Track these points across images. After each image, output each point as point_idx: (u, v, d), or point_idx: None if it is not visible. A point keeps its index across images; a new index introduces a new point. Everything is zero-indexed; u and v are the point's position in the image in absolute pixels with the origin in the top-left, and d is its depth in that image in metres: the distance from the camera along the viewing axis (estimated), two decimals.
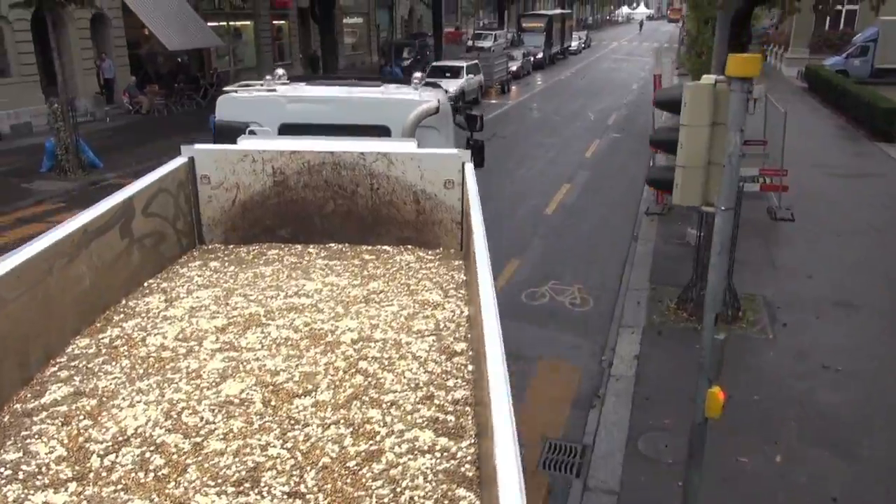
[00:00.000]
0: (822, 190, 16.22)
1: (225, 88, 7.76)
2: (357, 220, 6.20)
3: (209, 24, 29.58)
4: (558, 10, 56.65)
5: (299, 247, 6.02)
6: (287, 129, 7.22)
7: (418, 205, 6.14)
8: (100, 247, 4.76)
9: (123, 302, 4.83)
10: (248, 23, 33.89)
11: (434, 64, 29.39)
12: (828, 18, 41.70)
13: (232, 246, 6.11)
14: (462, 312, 4.53)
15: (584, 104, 30.61)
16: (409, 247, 6.04)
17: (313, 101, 7.48)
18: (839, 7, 40.20)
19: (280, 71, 8.20)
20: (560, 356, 9.31)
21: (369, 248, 6.00)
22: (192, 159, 5.94)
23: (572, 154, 20.83)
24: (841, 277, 11.41)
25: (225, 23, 31.96)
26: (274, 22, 36.04)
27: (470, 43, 42.75)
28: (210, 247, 6.11)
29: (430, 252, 5.83)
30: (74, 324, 4.44)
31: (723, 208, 5.12)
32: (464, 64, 28.93)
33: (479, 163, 8.55)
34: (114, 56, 26.20)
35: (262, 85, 7.77)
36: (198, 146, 6.00)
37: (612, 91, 34.83)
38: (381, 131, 7.03)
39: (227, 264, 5.58)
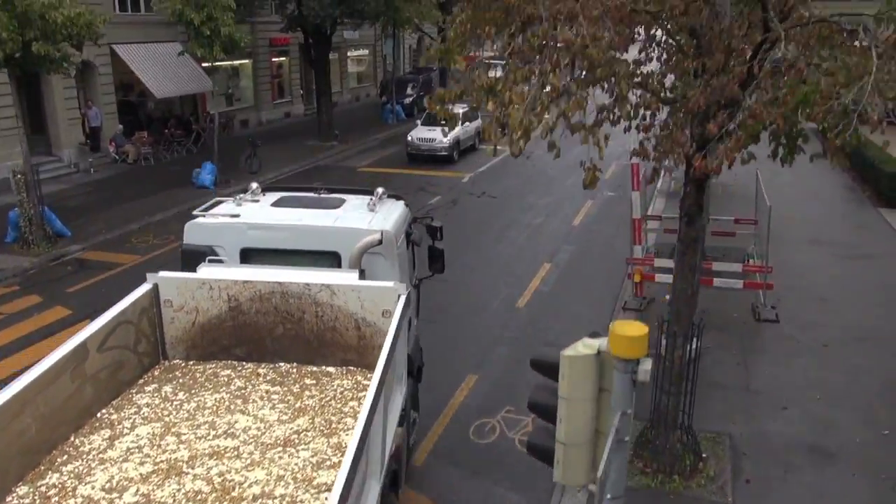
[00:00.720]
0: (815, 277, 15.24)
1: (194, 213, 8.35)
2: (304, 343, 7.01)
3: (205, 63, 29.17)
4: None
5: (251, 366, 6.88)
6: (247, 253, 7.97)
7: (359, 331, 6.90)
8: (47, 396, 5.25)
9: (72, 439, 5.54)
10: (246, 61, 33.46)
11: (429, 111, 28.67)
12: None
13: (192, 363, 7.00)
14: None
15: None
16: (352, 369, 6.86)
17: (271, 229, 8.03)
18: None
19: (254, 185, 9.23)
20: None
21: (314, 369, 6.84)
22: (156, 285, 6.88)
23: (560, 222, 19.99)
24: (820, 411, 10.46)
25: (222, 63, 31.45)
26: (273, 59, 35.61)
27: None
28: (172, 363, 7.02)
29: (368, 376, 6.40)
30: (18, 470, 4.98)
31: (609, 497, 4.31)
32: (460, 111, 28.14)
33: (439, 269, 9.73)
34: (101, 103, 25.84)
35: (236, 200, 8.56)
36: (162, 274, 6.96)
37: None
38: (333, 257, 7.76)
39: (177, 389, 6.36)
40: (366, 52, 45.21)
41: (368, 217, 8.22)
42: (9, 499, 4.79)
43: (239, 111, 33.34)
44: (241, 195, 8.82)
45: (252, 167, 25.05)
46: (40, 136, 23.84)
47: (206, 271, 7.28)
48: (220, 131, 29.89)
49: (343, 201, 8.84)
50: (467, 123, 28.20)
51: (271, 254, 7.83)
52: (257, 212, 8.44)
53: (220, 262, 7.78)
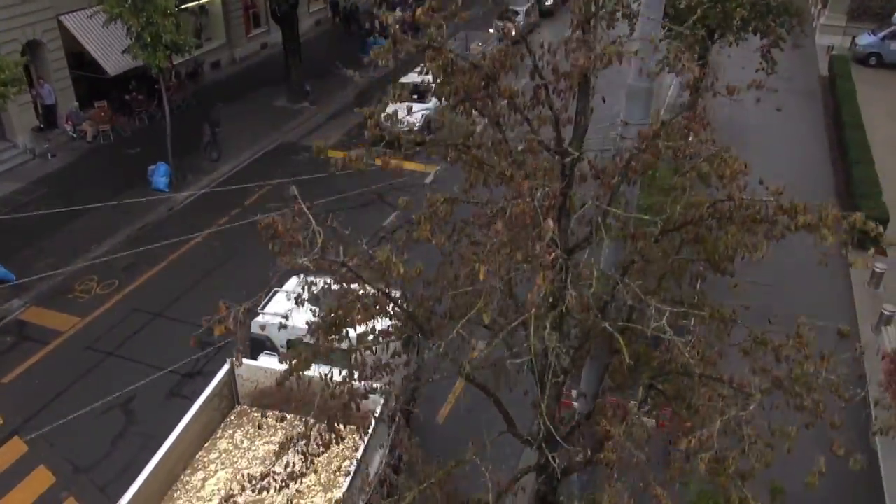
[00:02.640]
0: None
1: (258, 310, 12.52)
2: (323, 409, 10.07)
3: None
4: None
5: (291, 417, 9.88)
6: (290, 342, 11.57)
7: (360, 411, 8.76)
8: (172, 452, 9.90)
9: (182, 477, 9.96)
10: None
11: (401, 80, 26.98)
12: None
13: (253, 409, 11.57)
14: None
15: None
16: (353, 428, 8.90)
17: (303, 331, 9.72)
18: None
19: (297, 280, 12.61)
20: None
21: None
22: (230, 367, 11.52)
23: None
24: None
25: (188, 4, 29.40)
26: None
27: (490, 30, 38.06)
28: (242, 408, 11.62)
29: (358, 435, 9.96)
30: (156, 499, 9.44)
31: None
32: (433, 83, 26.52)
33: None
34: (53, 80, 24.65)
35: (287, 295, 11.84)
36: (241, 364, 11.46)
37: None
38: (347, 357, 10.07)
39: (243, 438, 10.97)
40: None
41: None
42: None
43: (209, 53, 31.62)
44: (292, 289, 12.04)
45: (212, 155, 24.30)
46: None
47: (263, 360, 12.00)
48: (188, 82, 28.76)
49: None
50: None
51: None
52: (299, 313, 9.83)
53: (275, 353, 12.12)
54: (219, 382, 11.27)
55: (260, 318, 12.51)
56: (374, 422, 9.28)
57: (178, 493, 9.95)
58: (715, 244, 6.35)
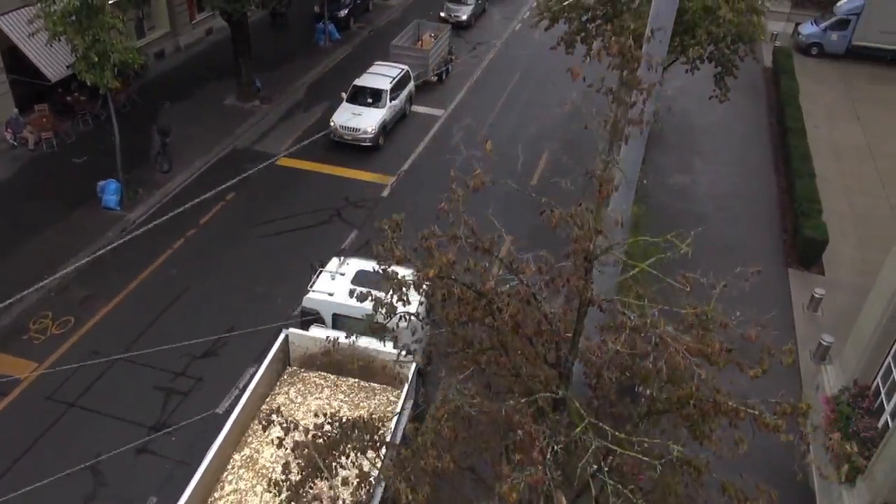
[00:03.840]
0: None
1: (308, 287, 15.44)
2: (363, 372, 13.52)
3: None
4: None
5: (333, 377, 13.70)
6: (335, 317, 14.67)
7: (393, 372, 13.41)
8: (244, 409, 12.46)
9: (251, 427, 12.49)
10: None
11: (355, 83, 26.49)
12: None
13: (302, 370, 13.93)
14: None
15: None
16: (387, 387, 13.43)
17: (348, 307, 13.50)
18: None
19: (337, 261, 15.93)
20: None
21: (368, 385, 13.52)
22: (287, 335, 14.04)
23: None
24: None
25: None
26: None
27: (441, 14, 37.27)
28: (292, 369, 14.00)
29: (395, 392, 13.34)
30: (233, 445, 12.14)
31: None
32: (387, 87, 26.20)
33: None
34: None
35: (332, 275, 15.25)
36: (291, 330, 14.15)
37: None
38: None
39: (296, 394, 13.25)
40: None
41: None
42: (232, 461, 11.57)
43: (152, 43, 30.41)
44: (333, 270, 15.42)
45: (163, 166, 23.70)
46: None
47: (313, 331, 14.25)
48: (131, 78, 27.58)
49: None
50: (394, 101, 26.45)
51: (348, 319, 14.05)
52: (342, 290, 12.67)
53: (323, 323, 14.74)
54: (277, 349, 13.74)
55: (310, 294, 15.03)
56: (410, 377, 12.84)
57: (250, 438, 12.40)
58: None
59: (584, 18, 19.50)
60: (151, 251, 20.32)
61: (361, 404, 13.01)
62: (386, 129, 26.08)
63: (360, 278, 14.44)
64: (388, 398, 13.19)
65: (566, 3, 19.28)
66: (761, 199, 24.37)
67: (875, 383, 14.40)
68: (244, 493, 11.10)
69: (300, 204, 22.78)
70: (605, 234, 6.86)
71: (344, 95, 26.40)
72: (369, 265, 13.03)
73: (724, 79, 20.01)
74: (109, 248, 20.57)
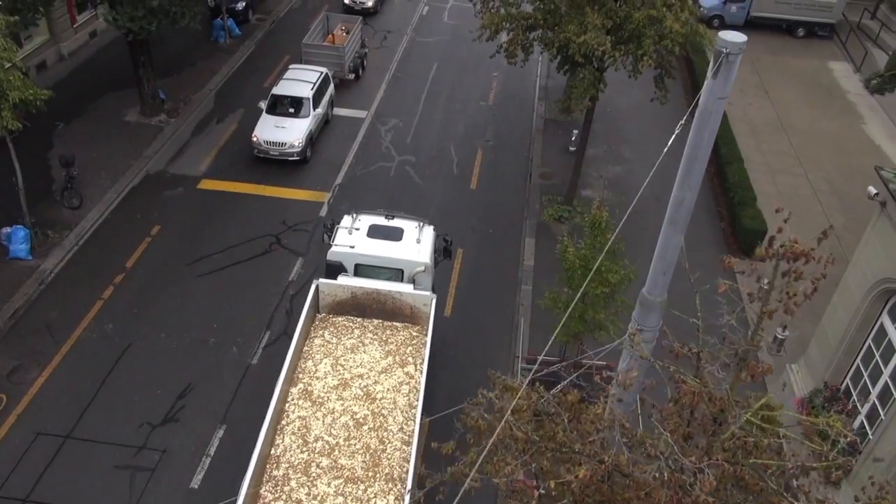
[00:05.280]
0: None
1: (330, 242, 16.94)
2: (386, 312, 15.55)
3: None
4: None
5: (359, 320, 15.50)
6: (357, 267, 16.36)
7: (412, 310, 15.44)
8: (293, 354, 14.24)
9: (299, 364, 14.38)
10: None
11: (274, 92, 24.80)
12: None
13: (331, 316, 15.57)
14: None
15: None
16: (408, 325, 15.46)
17: (369, 257, 16.30)
18: None
19: (349, 218, 17.45)
20: None
21: (390, 324, 15.43)
22: (318, 285, 15.48)
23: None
24: None
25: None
26: None
27: (345, 1, 35.40)
28: (322, 316, 15.58)
29: (415, 328, 15.39)
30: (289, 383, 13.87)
31: None
32: (309, 94, 24.72)
33: (448, 257, 18.10)
34: None
35: (349, 230, 16.92)
36: (321, 280, 15.66)
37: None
38: (400, 272, 16.29)
39: (331, 336, 15.03)
40: None
41: (417, 248, 16.64)
42: (291, 394, 13.51)
43: (31, 55, 27.33)
44: (349, 226, 17.08)
45: (72, 202, 21.48)
46: None
47: (341, 279, 15.96)
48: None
49: (402, 232, 16.96)
50: (318, 109, 25.08)
51: (369, 268, 16.32)
52: (361, 242, 16.56)
53: (346, 272, 16.32)
54: (311, 297, 15.22)
55: (334, 248, 16.50)
56: (432, 319, 15.09)
57: (302, 375, 14.10)
58: None
59: (526, 27, 18.93)
60: (79, 305, 18.49)
61: (389, 340, 15.11)
62: (312, 139, 24.73)
63: (374, 231, 16.91)
64: (410, 333, 15.33)
65: (509, 12, 18.64)
66: (699, 206, 24.91)
67: (845, 384, 15.10)
68: (306, 419, 13.20)
69: (235, 233, 21.28)
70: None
71: (262, 106, 24.75)
72: (379, 219, 17.24)
73: (664, 80, 20.04)
74: (29, 304, 18.87)
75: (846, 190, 25.15)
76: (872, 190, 13.70)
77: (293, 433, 12.86)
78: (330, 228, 17.39)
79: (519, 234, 22.27)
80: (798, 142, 27.75)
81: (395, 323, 15.50)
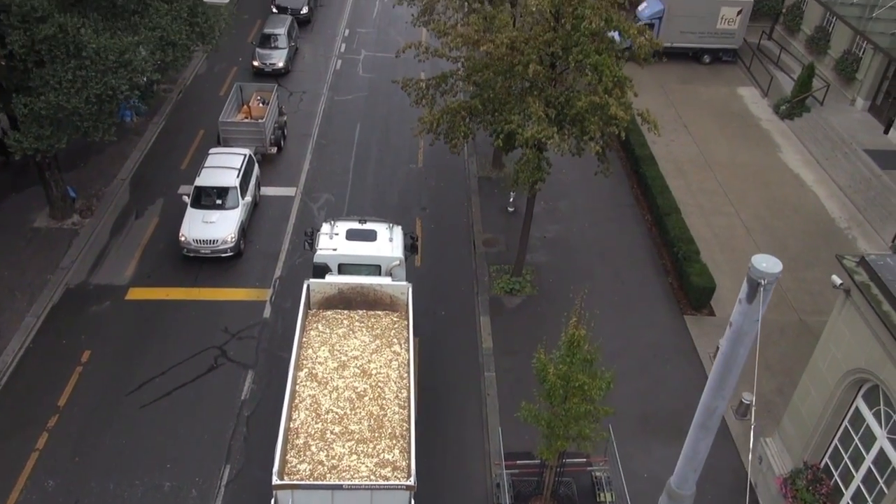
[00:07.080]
0: None
1: (316, 247, 19.44)
2: (368, 303, 18.02)
3: None
4: None
5: (346, 312, 17.85)
6: (341, 266, 18.93)
7: (391, 299, 18.05)
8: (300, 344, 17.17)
9: (303, 353, 16.82)
10: None
11: (197, 184, 23.19)
12: None
13: (321, 310, 17.90)
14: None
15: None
16: (389, 313, 17.96)
17: (350, 257, 18.83)
18: None
19: (328, 225, 20.16)
20: None
21: (372, 313, 17.88)
22: (309, 284, 17.82)
23: None
24: None
25: None
26: None
27: (254, 63, 33.93)
28: (314, 311, 17.95)
29: (395, 315, 17.92)
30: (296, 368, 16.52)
31: None
32: (235, 182, 23.38)
33: (414, 252, 20.95)
34: None
35: (330, 235, 19.60)
36: (312, 280, 18.05)
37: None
38: (377, 268, 18.91)
39: (324, 327, 17.38)
40: None
41: (390, 246, 19.35)
42: (299, 377, 15.98)
43: None
44: (328, 231, 19.73)
45: None
46: None
47: (329, 278, 18.35)
48: None
49: (376, 233, 19.61)
50: (247, 197, 23.82)
51: (350, 266, 18.80)
52: (342, 245, 19.15)
53: (331, 272, 18.75)
54: (304, 296, 17.47)
55: (319, 252, 18.94)
56: (410, 305, 17.53)
57: (305, 361, 16.34)
58: None
59: (468, 115, 18.50)
60: (11, 458, 16.81)
61: (375, 326, 17.36)
62: (244, 230, 23.48)
63: (352, 234, 19.48)
64: (392, 319, 17.70)
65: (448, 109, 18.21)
66: (635, 238, 25.01)
67: (824, 462, 15.30)
68: (316, 396, 15.54)
69: (174, 349, 19.84)
70: None
71: (186, 199, 23.30)
72: (354, 223, 19.86)
73: (606, 153, 19.96)
74: None
75: (776, 225, 25.92)
76: (837, 280, 13.88)
77: (307, 409, 15.24)
78: (310, 236, 20.26)
79: (472, 312, 21.77)
80: (723, 177, 28.42)
81: (377, 311, 17.90)
